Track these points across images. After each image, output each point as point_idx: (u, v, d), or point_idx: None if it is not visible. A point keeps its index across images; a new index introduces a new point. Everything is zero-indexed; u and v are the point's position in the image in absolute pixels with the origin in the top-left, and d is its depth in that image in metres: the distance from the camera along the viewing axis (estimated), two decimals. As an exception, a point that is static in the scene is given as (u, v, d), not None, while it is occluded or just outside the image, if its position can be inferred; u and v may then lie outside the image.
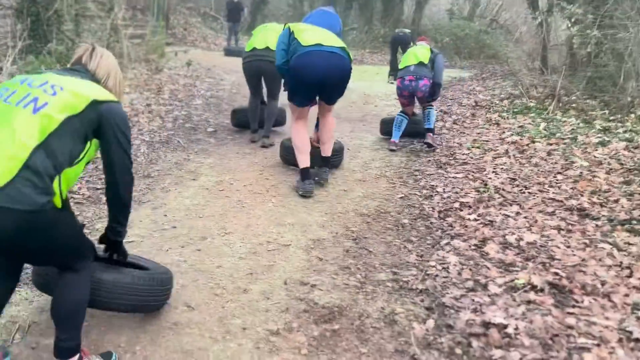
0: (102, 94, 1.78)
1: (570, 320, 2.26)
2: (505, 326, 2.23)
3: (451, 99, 8.22)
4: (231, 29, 13.78)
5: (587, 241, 3.09)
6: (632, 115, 6.48)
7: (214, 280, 2.65)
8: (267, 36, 5.11)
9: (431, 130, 5.46)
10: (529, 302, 2.44)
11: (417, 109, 5.91)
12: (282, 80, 4.33)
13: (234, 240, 3.14)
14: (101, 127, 1.75)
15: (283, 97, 4.53)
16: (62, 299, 1.76)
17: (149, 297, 2.10)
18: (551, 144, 5.21)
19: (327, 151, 4.11)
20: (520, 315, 2.32)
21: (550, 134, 5.60)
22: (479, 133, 5.83)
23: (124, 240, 2.07)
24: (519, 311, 2.35)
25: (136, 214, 3.36)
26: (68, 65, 2.03)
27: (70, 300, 1.77)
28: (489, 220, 3.40)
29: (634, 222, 3.33)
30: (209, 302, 2.44)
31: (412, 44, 8.43)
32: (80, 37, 6.95)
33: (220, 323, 2.28)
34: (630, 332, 2.18)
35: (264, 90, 5.39)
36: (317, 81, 3.72)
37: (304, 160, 3.82)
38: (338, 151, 4.48)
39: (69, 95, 1.68)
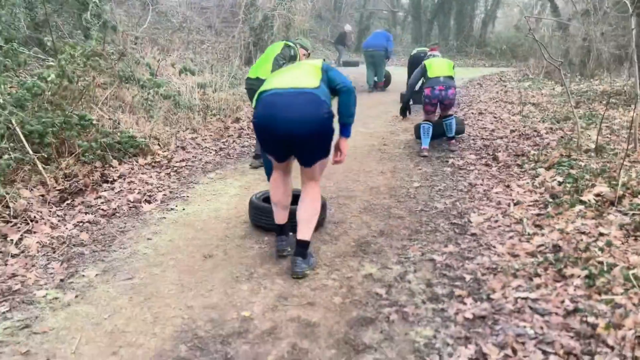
0: None
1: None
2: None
3: (488, 79, 13.36)
4: (340, 50, 19.33)
5: (509, 108, 8.37)
6: (593, 80, 11.40)
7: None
8: (261, 64, 4.94)
9: (453, 138, 5.88)
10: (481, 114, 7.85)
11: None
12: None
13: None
14: None
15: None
16: None
17: None
18: (524, 89, 10.39)
19: (303, 233, 2.93)
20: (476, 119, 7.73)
21: (528, 87, 10.75)
22: (491, 89, 11.09)
23: None
24: (476, 119, 7.77)
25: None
26: None
27: None
28: (479, 102, 8.79)
29: (530, 104, 8.53)
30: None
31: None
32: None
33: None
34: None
35: None
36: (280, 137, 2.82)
37: (279, 217, 3.10)
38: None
39: None
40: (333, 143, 2.98)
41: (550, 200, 3.84)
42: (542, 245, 3.17)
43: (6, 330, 2.38)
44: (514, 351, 2.17)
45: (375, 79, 10.91)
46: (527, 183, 4.32)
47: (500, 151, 5.42)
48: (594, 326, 2.28)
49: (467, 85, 11.75)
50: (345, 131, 3.06)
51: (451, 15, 23.04)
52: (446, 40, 22.09)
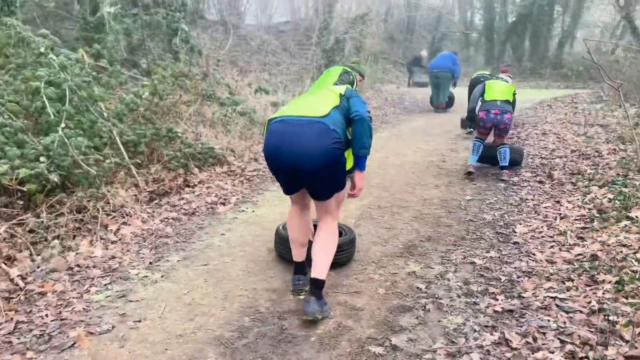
0: None
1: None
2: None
3: (560, 101, 13.15)
4: (414, 71, 19.75)
5: (574, 129, 8.33)
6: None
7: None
8: (317, 88, 4.80)
9: (506, 168, 5.55)
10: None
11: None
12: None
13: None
14: None
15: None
16: None
17: None
18: (595, 111, 10.21)
19: (317, 271, 2.70)
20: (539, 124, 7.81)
21: (600, 109, 10.55)
22: (560, 111, 10.97)
23: None
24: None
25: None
26: None
27: None
28: (545, 122, 8.78)
29: (597, 126, 8.44)
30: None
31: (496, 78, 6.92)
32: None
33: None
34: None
35: None
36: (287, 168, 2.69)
37: (296, 254, 2.98)
38: (348, 244, 3.33)
39: None
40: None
41: (597, 215, 3.98)
42: (580, 254, 3.36)
43: (108, 298, 2.94)
44: (535, 339, 2.43)
45: (440, 99, 11.17)
46: (578, 199, 4.46)
47: (556, 169, 5.54)
48: (614, 323, 2.50)
49: (535, 107, 11.66)
50: (359, 164, 2.78)
51: (525, 36, 22.69)
52: (520, 61, 21.79)
